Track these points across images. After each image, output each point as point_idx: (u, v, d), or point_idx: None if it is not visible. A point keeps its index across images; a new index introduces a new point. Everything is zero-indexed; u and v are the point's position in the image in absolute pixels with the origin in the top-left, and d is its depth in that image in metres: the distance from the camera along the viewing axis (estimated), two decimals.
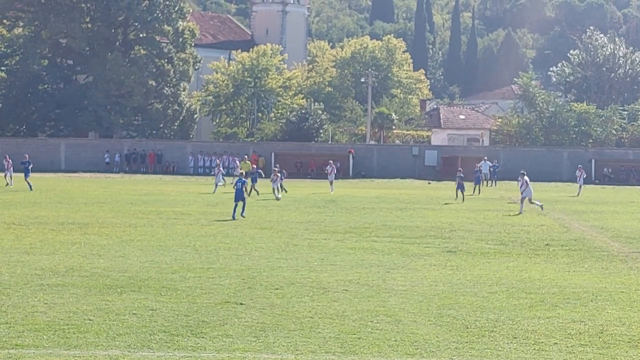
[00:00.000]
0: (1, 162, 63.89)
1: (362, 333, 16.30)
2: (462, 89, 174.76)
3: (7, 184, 58.00)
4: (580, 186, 62.98)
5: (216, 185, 57.06)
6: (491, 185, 72.12)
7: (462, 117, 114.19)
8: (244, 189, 39.50)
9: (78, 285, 20.70)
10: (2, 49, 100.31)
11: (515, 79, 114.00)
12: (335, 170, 65.22)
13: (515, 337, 16.11)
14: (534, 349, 15.34)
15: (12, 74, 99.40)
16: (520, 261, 26.36)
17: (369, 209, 45.05)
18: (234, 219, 37.49)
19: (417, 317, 17.78)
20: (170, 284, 21.04)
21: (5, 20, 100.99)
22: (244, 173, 44.02)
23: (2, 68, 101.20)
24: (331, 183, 61.63)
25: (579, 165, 68.92)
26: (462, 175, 53.60)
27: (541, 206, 44.93)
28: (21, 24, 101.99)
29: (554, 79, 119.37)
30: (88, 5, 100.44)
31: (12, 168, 59.93)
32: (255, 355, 14.66)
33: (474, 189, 60.00)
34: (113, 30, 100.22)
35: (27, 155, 59.99)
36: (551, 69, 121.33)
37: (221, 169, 60.91)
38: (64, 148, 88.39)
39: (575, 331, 16.69)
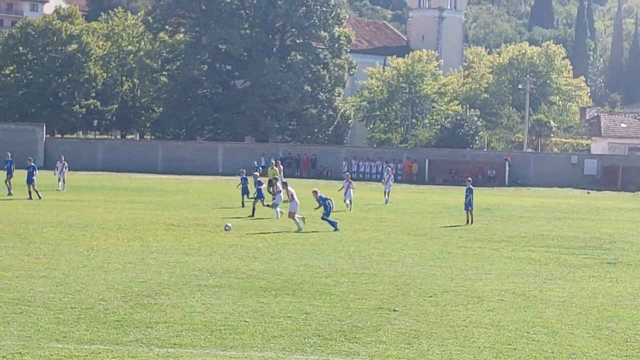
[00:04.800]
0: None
1: (518, 344, 15.99)
2: (623, 97, 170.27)
3: (58, 189, 53.71)
4: None
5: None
6: None
7: (623, 125, 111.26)
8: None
9: (234, 286, 20.97)
10: (164, 54, 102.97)
11: None
12: (393, 178, 55.73)
13: None
14: None
15: (173, 79, 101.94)
16: None
17: (525, 218, 44.30)
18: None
19: (574, 329, 17.34)
20: (324, 288, 21.09)
21: (167, 27, 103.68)
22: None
23: (164, 73, 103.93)
24: (386, 193, 52.55)
25: None
26: None
27: None
28: (182, 30, 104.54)
29: None
30: (247, 11, 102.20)
31: (65, 170, 55.09)
32: None
33: None
34: (270, 36, 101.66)
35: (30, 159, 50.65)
36: None
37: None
38: (222, 152, 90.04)
39: None
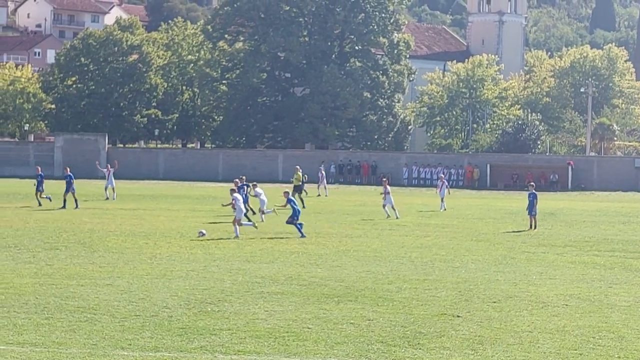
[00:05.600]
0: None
1: (584, 349, 15.80)
2: None
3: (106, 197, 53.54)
4: None
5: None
6: None
7: None
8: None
9: (297, 293, 21.00)
10: (224, 63, 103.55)
11: None
12: (447, 185, 53.68)
13: None
14: None
15: (233, 87, 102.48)
16: None
17: (589, 222, 43.80)
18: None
19: None
20: (387, 295, 21.05)
21: (227, 35, 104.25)
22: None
23: (224, 82, 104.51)
24: (442, 200, 51.23)
25: None
26: None
27: None
28: (242, 38, 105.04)
29: None
30: (306, 19, 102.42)
31: (112, 178, 54.32)
32: None
33: None
34: (329, 43, 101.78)
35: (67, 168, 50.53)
36: None
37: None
38: (282, 159, 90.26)
39: None
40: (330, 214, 46.26)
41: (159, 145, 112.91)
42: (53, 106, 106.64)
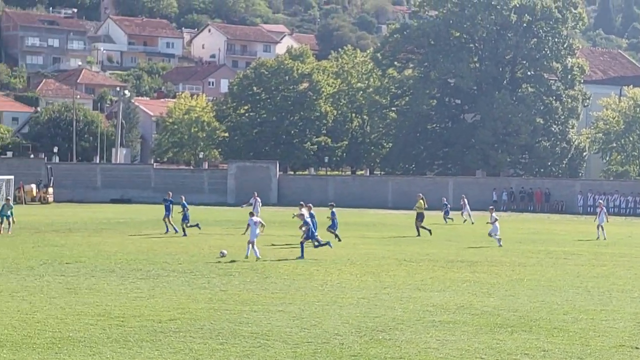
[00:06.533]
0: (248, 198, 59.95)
1: None
2: None
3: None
4: None
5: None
6: None
7: None
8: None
9: (469, 323, 20.67)
10: (393, 90, 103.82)
11: None
12: (606, 212, 50.38)
13: None
14: None
15: (402, 114, 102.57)
16: None
17: None
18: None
19: None
20: (562, 325, 20.50)
21: (396, 62, 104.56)
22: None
23: (393, 108, 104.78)
24: (598, 227, 48.76)
25: None
26: None
27: None
28: (411, 65, 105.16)
29: None
30: (476, 45, 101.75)
31: (258, 207, 53.97)
32: None
33: None
34: (500, 69, 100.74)
35: (170, 193, 50.23)
36: None
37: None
38: (452, 186, 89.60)
39: None
40: (503, 242, 45.49)
41: (328, 172, 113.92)
42: (226, 134, 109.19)
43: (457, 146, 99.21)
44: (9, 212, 45.31)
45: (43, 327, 19.33)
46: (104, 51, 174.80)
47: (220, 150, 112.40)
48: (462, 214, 63.65)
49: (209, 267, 30.87)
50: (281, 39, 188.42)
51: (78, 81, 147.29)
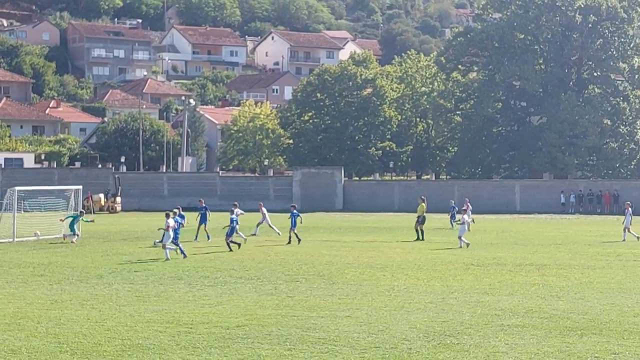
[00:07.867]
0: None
1: None
2: None
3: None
4: None
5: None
6: None
7: None
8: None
9: (538, 326, 20.48)
10: (458, 93, 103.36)
11: None
12: (631, 212, 49.93)
13: None
14: None
15: (467, 118, 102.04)
16: None
17: None
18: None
19: None
20: (633, 328, 20.23)
21: (460, 66, 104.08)
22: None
23: (458, 112, 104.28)
24: (625, 229, 48.45)
25: None
26: None
27: None
28: (475, 68, 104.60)
29: None
30: (541, 46, 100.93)
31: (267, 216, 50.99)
32: None
33: None
34: (566, 70, 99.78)
35: (202, 200, 50.44)
36: None
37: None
38: (519, 189, 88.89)
39: None
40: (571, 244, 45.09)
41: (393, 178, 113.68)
42: (291, 141, 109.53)
43: (523, 149, 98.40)
44: (80, 221, 45.96)
45: (112, 334, 19.54)
46: (169, 61, 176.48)
47: (285, 157, 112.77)
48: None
49: (275, 274, 30.98)
50: (344, 45, 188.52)
51: (144, 91, 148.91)
